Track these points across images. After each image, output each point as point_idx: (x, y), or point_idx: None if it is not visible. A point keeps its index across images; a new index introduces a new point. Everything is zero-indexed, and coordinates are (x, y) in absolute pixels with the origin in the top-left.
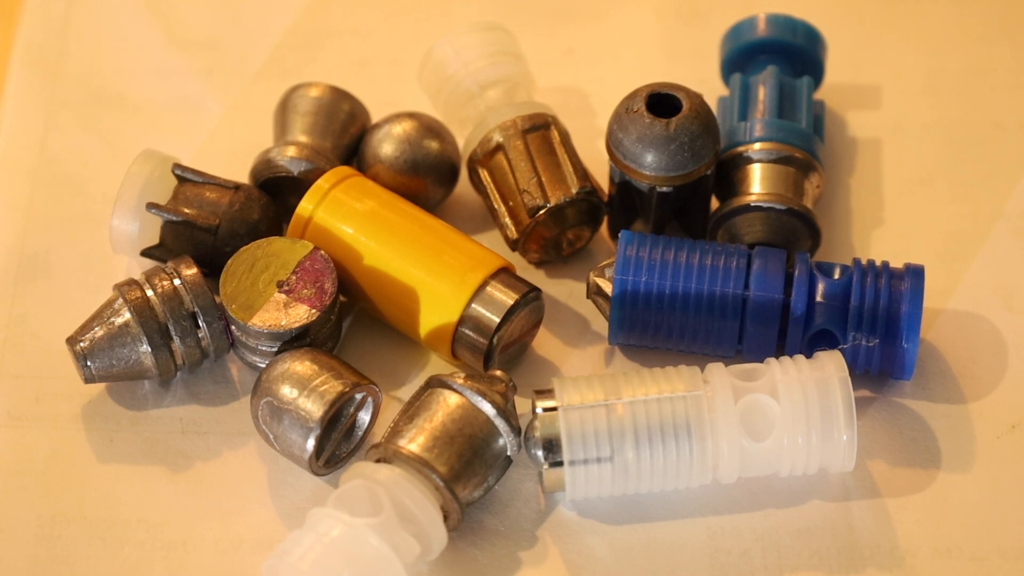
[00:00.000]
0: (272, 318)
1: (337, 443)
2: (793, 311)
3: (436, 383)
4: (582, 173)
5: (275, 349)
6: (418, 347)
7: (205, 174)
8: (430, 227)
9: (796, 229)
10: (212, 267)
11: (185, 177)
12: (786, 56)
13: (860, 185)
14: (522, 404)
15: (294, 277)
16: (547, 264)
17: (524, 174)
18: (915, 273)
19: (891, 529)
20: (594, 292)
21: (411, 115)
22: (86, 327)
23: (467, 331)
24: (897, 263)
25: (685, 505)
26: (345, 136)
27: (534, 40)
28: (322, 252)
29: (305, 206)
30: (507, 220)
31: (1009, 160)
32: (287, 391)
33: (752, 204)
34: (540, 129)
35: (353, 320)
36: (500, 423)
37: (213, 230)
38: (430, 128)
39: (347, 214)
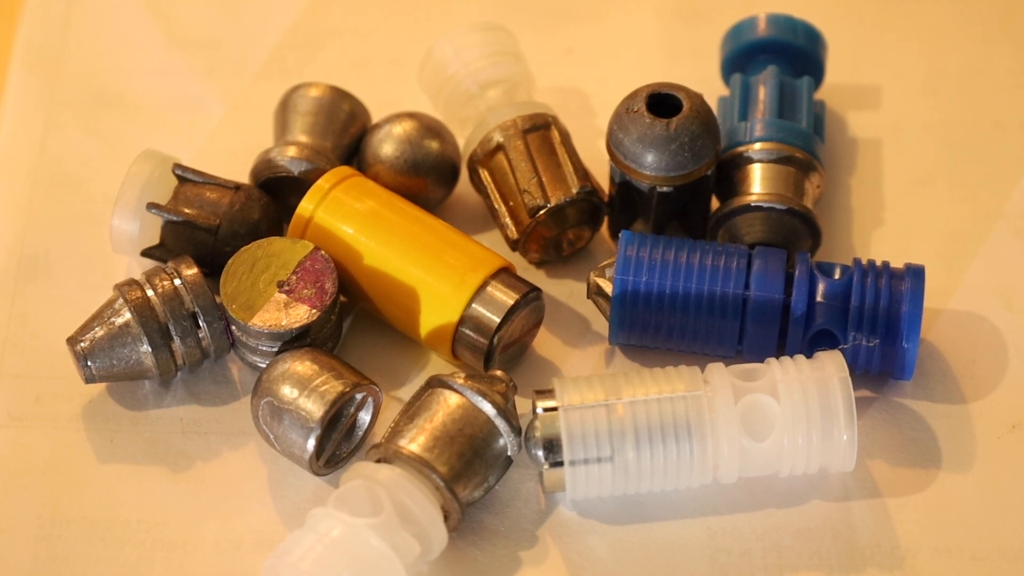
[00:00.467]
0: (272, 318)
1: (337, 443)
2: (793, 311)
3: (436, 383)
4: (582, 173)
5: (275, 349)
6: (418, 347)
7: (205, 174)
8: (430, 227)
9: (796, 229)
10: (212, 267)
11: (185, 177)
12: (786, 56)
13: (860, 185)
14: (522, 404)
15: (294, 277)
16: (547, 264)
17: (524, 174)
18: (915, 273)
19: (891, 529)
20: (594, 292)
21: (411, 115)
22: (86, 327)
23: (467, 331)
24: (897, 263)
25: (685, 505)
26: (345, 136)
27: (534, 40)
28: (322, 252)
29: (305, 206)
30: (507, 220)
31: (1009, 160)
32: (287, 391)
33: (752, 204)
34: (540, 129)
35: (353, 320)
36: (500, 423)
37: (213, 230)
38: (430, 128)
39: (347, 214)
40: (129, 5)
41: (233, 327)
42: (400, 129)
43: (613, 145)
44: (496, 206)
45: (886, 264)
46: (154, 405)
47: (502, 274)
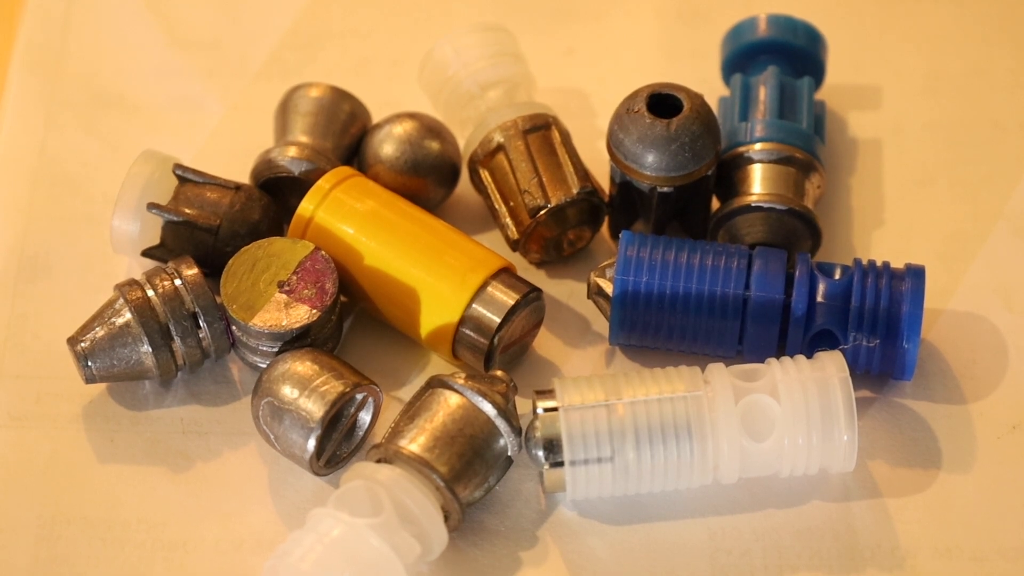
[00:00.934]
0: (273, 318)
1: (338, 443)
2: (794, 311)
3: (437, 383)
4: (583, 173)
5: (276, 349)
6: (419, 347)
7: (206, 174)
8: (431, 227)
9: (797, 229)
10: (213, 267)
11: (186, 177)
12: (787, 56)
13: (860, 185)
14: (523, 404)
15: (295, 277)
16: (548, 264)
17: (525, 174)
18: (916, 273)
19: (892, 529)
20: (595, 292)
21: (412, 115)
22: (87, 327)
23: (468, 331)
24: (897, 263)
25: (685, 505)
26: (346, 136)
27: (534, 40)
28: (323, 252)
29: (306, 206)
30: (508, 220)
31: (1009, 160)
32: (288, 391)
33: (753, 204)
34: (541, 129)
35: (354, 320)
36: (501, 423)
37: (214, 230)
38: (431, 128)
39: (348, 214)
40: (129, 5)
41: (233, 327)
42: (400, 129)
43: (613, 145)
44: (496, 206)
45: (886, 264)
46: (154, 405)
47: (502, 274)
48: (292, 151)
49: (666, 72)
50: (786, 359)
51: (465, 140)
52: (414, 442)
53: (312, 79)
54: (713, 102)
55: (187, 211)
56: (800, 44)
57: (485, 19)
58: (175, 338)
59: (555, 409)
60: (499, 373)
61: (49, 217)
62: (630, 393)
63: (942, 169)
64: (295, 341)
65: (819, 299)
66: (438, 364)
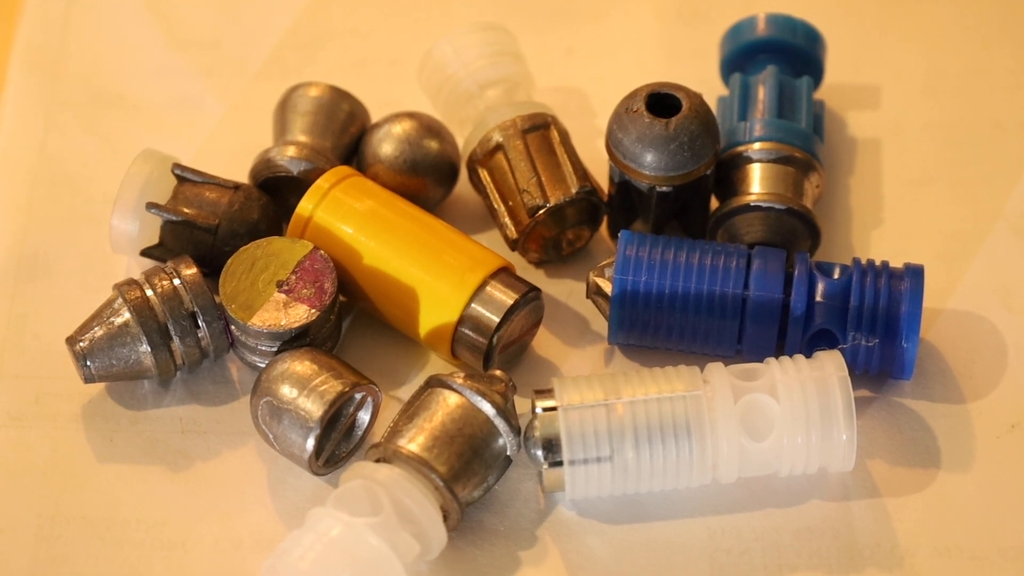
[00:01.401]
0: (272, 318)
1: (337, 443)
2: (793, 311)
3: (436, 383)
4: (582, 173)
5: (275, 349)
6: (418, 347)
7: (205, 174)
8: (430, 227)
9: (796, 229)
10: (212, 267)
11: (185, 177)
12: (786, 56)
13: (860, 185)
14: (522, 404)
15: (294, 277)
16: (547, 264)
17: (524, 174)
18: (915, 273)
19: (891, 529)
20: (594, 292)
21: (411, 115)
22: (86, 327)
23: (467, 331)
24: (897, 263)
25: (685, 505)
26: (345, 136)
27: (534, 40)
28: (322, 252)
29: (305, 206)
30: (507, 220)
31: (1009, 160)
32: (287, 391)
33: (752, 204)
34: (540, 129)
35: (353, 320)
36: (500, 423)
37: (213, 230)
38: (430, 128)
39: (347, 214)
40: (129, 5)
41: (232, 327)
42: (399, 129)
43: (612, 145)
44: (495, 206)
45: (885, 264)
46: (153, 405)
47: (501, 274)
48: (291, 151)
49: (665, 72)
50: (785, 358)
51: (464, 139)
52: (413, 442)
53: (312, 79)
54: (712, 102)
55: (186, 211)
56: (799, 43)
57: (485, 19)
58: (174, 338)
59: (554, 408)
60: (498, 373)
61: (48, 217)
62: (629, 392)
63: (942, 169)
64: (294, 341)
65: (818, 298)
66: (437, 363)
